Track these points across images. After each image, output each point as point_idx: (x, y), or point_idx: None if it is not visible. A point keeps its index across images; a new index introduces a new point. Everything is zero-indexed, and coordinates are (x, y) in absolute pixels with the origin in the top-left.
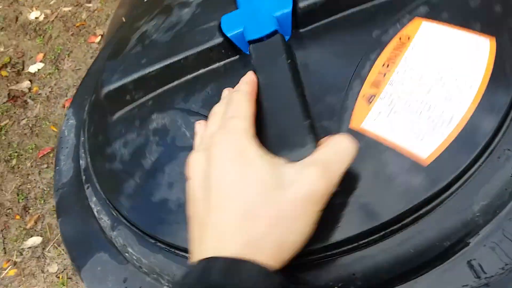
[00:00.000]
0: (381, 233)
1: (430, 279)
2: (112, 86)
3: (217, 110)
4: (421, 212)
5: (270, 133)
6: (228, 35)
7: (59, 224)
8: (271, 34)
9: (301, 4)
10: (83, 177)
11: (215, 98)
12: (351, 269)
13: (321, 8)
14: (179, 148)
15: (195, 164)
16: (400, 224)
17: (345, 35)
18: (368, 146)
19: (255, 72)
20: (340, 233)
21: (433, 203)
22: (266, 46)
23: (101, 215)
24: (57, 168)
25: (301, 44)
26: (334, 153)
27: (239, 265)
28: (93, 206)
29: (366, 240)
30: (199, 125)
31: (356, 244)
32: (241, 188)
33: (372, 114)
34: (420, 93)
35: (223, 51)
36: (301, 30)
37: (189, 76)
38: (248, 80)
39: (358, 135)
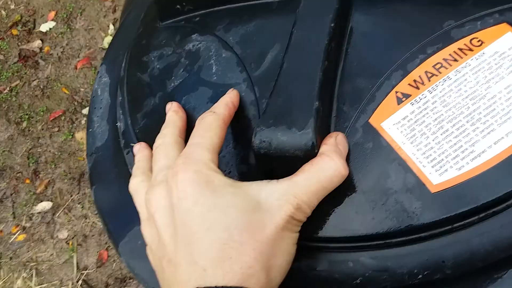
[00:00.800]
0: (481, 215)
1: None
2: None
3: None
4: None
5: (275, 98)
6: None
7: (93, 192)
8: None
9: None
10: (122, 141)
11: (253, 37)
12: (441, 255)
13: None
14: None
15: (155, 201)
16: (504, 205)
17: (417, 12)
18: (379, 148)
19: (294, 24)
20: (430, 215)
21: None
22: None
23: None
24: (90, 130)
25: (367, 5)
26: (317, 180)
27: None
28: None
29: (461, 223)
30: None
31: (449, 227)
32: (215, 217)
33: (397, 115)
34: (459, 113)
35: None
36: None
37: (240, 4)
38: (228, 102)
39: (374, 133)
